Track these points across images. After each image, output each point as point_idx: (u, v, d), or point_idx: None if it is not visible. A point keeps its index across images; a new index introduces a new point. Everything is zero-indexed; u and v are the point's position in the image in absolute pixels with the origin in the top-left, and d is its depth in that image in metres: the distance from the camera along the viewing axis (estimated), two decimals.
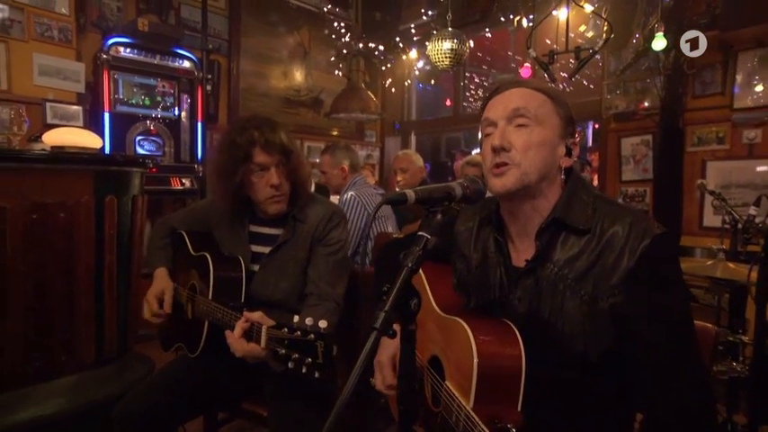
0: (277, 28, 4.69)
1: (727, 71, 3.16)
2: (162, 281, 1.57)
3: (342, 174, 2.80)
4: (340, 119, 4.46)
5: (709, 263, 2.21)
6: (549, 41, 4.01)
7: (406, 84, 5.69)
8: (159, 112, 3.62)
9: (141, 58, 3.46)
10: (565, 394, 0.89)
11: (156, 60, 3.54)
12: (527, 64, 3.50)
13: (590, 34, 3.76)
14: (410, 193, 0.80)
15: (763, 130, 3.05)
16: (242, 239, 1.56)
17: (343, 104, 4.07)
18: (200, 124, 3.82)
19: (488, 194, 0.97)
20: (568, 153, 0.96)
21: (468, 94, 6.24)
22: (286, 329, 1.06)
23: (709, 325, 1.11)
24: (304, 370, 1.01)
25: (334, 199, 2.86)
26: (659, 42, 3.00)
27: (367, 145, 5.67)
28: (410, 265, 0.76)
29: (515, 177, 0.92)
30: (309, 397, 1.36)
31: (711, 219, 3.22)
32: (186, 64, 3.71)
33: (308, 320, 1.04)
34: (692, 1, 3.17)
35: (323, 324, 1.03)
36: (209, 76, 3.89)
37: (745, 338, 2.04)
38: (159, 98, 3.64)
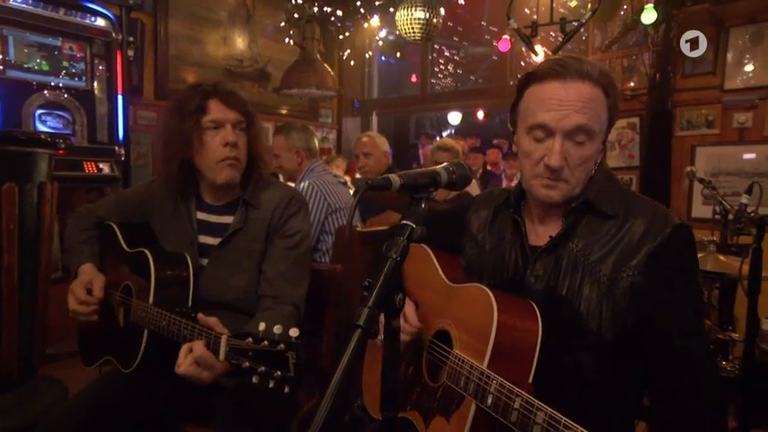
0: None
1: (719, 49, 3.39)
2: (89, 273, 1.51)
3: (297, 158, 2.77)
4: (291, 95, 4.40)
5: (699, 255, 2.37)
6: (528, 11, 4.13)
7: (367, 56, 5.70)
8: (65, 81, 3.39)
9: (39, 10, 3.11)
10: (577, 374, 1.00)
11: (60, 15, 3.24)
12: (506, 36, 3.59)
13: (573, 3, 3.91)
14: (394, 178, 0.83)
15: (753, 113, 3.30)
16: (187, 229, 1.52)
17: (295, 78, 4.01)
18: (120, 97, 3.61)
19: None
20: (603, 142, 1.07)
21: (436, 69, 6.33)
22: (250, 339, 1.04)
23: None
24: (271, 384, 1.01)
25: None
26: (649, 15, 3.16)
27: (322, 126, 5.63)
28: (395, 256, 0.78)
29: (563, 193, 1.04)
30: (268, 415, 1.34)
31: (701, 209, 3.45)
32: (100, 22, 3.48)
33: (277, 328, 1.03)
34: None
35: (294, 333, 1.02)
36: (131, 39, 3.68)
37: (736, 336, 2.21)
38: (65, 63, 3.40)
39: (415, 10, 3.33)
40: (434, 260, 1.24)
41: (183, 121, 1.41)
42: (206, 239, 1.52)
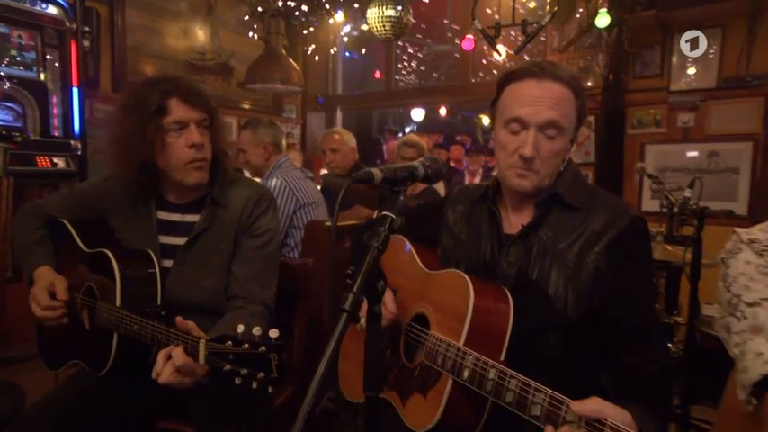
0: None
1: (665, 52, 3.62)
2: (48, 276, 1.45)
3: (264, 153, 2.79)
4: (256, 90, 4.39)
5: None
6: (489, 11, 4.28)
7: (332, 52, 5.72)
8: (14, 71, 3.27)
9: None
10: (543, 352, 1.11)
11: (8, 1, 3.12)
12: (470, 36, 3.70)
13: (532, 5, 4.08)
14: (376, 172, 0.89)
15: (696, 114, 3.55)
16: (148, 229, 1.47)
17: (260, 73, 4.01)
18: (75, 90, 3.52)
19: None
20: (571, 141, 1.19)
21: (400, 66, 6.43)
22: (230, 342, 1.04)
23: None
24: (254, 386, 1.02)
25: None
26: (603, 19, 3.36)
27: (286, 121, 5.63)
28: (377, 245, 0.85)
29: (533, 183, 1.15)
30: (242, 408, 1.34)
31: (650, 203, 3.68)
32: (52, 9, 3.35)
33: (256, 330, 1.03)
34: None
35: (274, 334, 1.03)
36: (86, 29, 3.58)
37: (680, 320, 2.40)
38: (14, 52, 3.28)
39: (387, 8, 3.40)
40: (412, 250, 1.33)
41: (142, 123, 1.34)
42: (169, 239, 1.47)
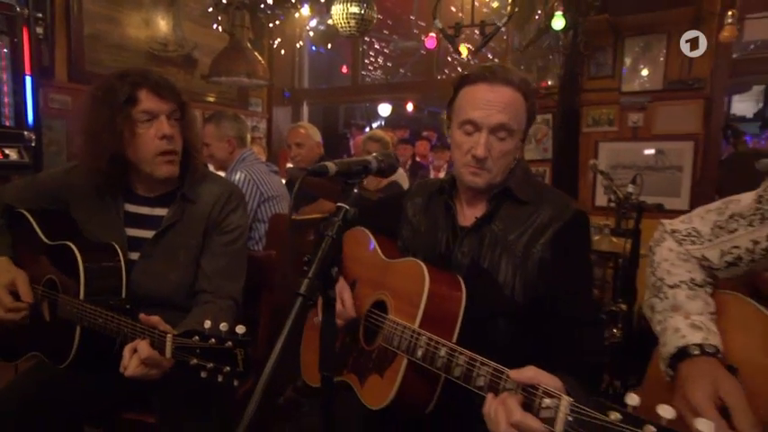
0: None
1: (617, 55, 3.82)
2: (8, 271, 1.43)
3: (228, 147, 2.81)
4: (220, 83, 4.37)
5: (596, 238, 2.74)
6: (454, 9, 4.39)
7: (298, 46, 5.73)
8: None
9: None
10: (492, 336, 1.19)
11: None
12: (432, 34, 3.80)
13: (495, 5, 4.21)
14: (331, 165, 0.96)
15: (644, 114, 3.77)
16: (114, 221, 1.47)
17: (225, 66, 3.99)
18: (28, 78, 3.41)
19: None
20: (522, 140, 1.27)
21: (367, 61, 6.49)
22: (197, 337, 1.06)
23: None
24: (220, 379, 1.05)
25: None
26: (558, 21, 3.52)
27: (252, 115, 5.61)
28: (330, 234, 0.92)
29: (486, 180, 1.24)
30: (206, 399, 1.35)
31: (603, 198, 3.88)
32: None
33: (223, 326, 1.06)
34: None
35: (240, 330, 1.07)
36: (40, 15, 3.47)
37: (624, 307, 2.58)
38: None
39: (351, 5, 3.44)
40: (373, 241, 1.41)
41: (111, 113, 1.34)
42: (136, 232, 1.48)
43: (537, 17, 3.98)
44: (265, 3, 4.77)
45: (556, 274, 1.19)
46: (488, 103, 1.20)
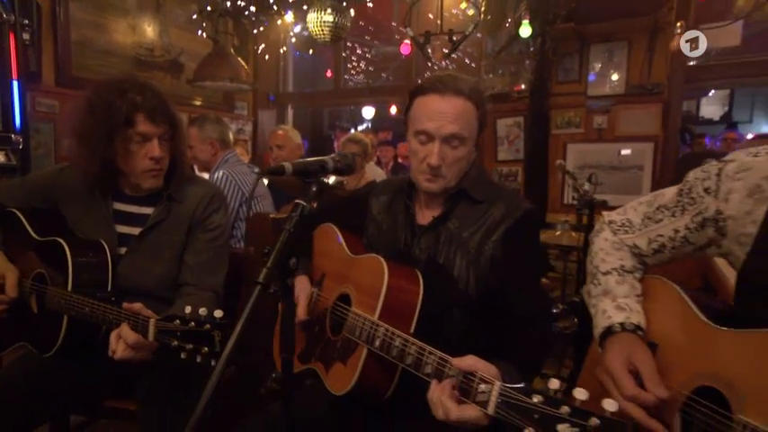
0: None
1: (582, 61, 4.04)
2: (1, 265, 1.51)
3: (211, 149, 2.92)
4: (206, 87, 4.50)
5: (557, 233, 2.94)
6: (431, 16, 4.58)
7: (282, 51, 5.87)
8: None
9: None
10: (448, 327, 1.27)
11: None
12: (407, 41, 3.98)
13: (471, 12, 4.41)
14: (288, 165, 1.03)
15: (608, 116, 3.99)
16: (104, 218, 1.54)
17: (209, 71, 4.13)
18: (16, 83, 3.49)
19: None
20: (475, 145, 1.34)
21: (349, 66, 6.65)
22: (178, 321, 1.13)
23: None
24: (199, 359, 1.12)
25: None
26: (525, 29, 3.72)
27: (238, 118, 5.74)
28: (288, 227, 0.99)
29: (441, 186, 1.31)
30: (185, 386, 1.41)
31: (570, 196, 4.09)
32: None
33: (202, 311, 1.13)
34: None
35: (218, 314, 1.14)
36: (26, 22, 3.53)
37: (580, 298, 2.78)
38: None
39: (325, 13, 3.57)
40: (340, 237, 1.48)
41: (109, 130, 1.42)
42: (124, 229, 1.56)
43: (507, 25, 4.19)
44: (249, 10, 4.91)
45: (506, 270, 1.25)
46: (440, 114, 1.25)
